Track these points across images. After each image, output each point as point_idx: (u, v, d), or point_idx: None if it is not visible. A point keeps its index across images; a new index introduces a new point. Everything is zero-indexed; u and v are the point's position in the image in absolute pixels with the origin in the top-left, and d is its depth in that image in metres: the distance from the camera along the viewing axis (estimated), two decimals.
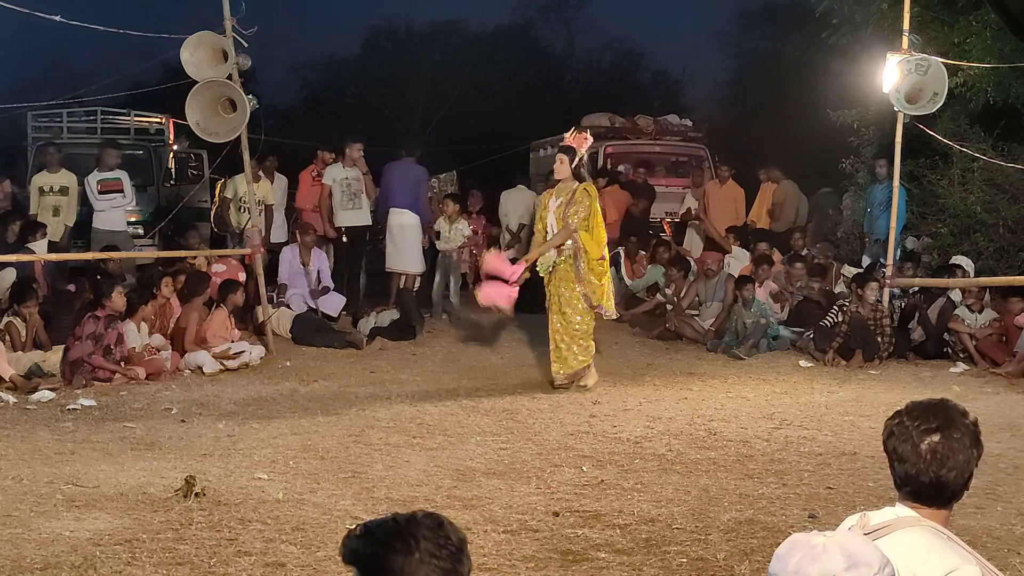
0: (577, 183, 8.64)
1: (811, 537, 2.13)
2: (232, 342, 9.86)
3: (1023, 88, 12.28)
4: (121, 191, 12.06)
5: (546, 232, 8.76)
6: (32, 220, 11.61)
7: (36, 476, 5.88)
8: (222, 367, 9.43)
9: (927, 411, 2.56)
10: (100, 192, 11.92)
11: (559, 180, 8.76)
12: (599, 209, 8.76)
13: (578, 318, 8.64)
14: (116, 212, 12.06)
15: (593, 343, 8.79)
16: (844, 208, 14.43)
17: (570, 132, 8.89)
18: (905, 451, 2.53)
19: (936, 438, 2.50)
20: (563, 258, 8.64)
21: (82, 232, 12.50)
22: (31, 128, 16.59)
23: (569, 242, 8.60)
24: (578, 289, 8.61)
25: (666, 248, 13.26)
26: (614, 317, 9.30)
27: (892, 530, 2.47)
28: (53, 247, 11.61)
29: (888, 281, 10.64)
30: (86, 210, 12.48)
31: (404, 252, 12.34)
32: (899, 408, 2.63)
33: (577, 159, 8.65)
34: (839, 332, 10.36)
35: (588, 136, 8.84)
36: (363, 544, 1.97)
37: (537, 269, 8.78)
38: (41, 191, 12.08)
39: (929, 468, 2.49)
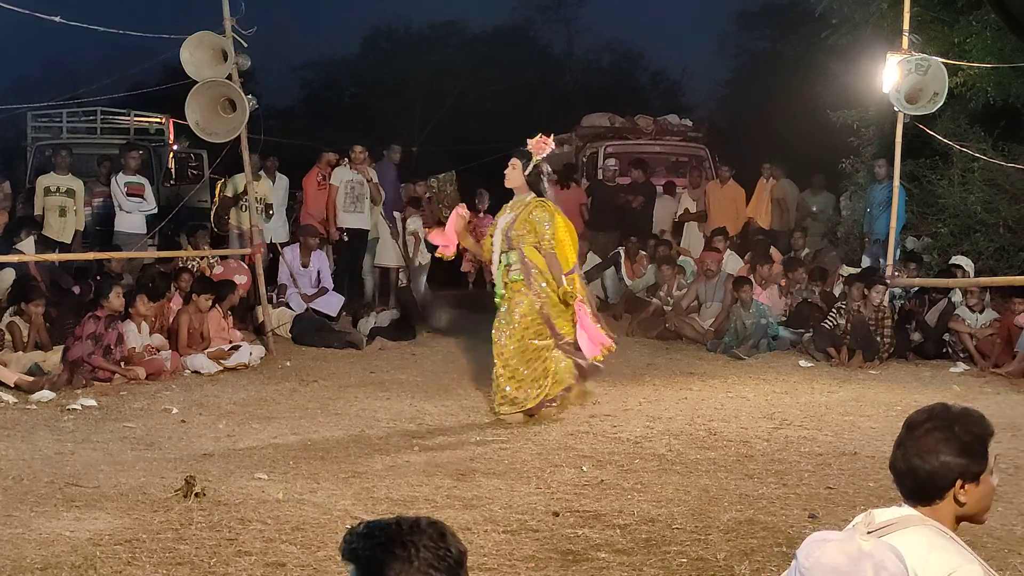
0: (531, 195, 7.61)
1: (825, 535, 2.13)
2: (230, 342, 9.87)
3: (1023, 88, 12.28)
4: (143, 195, 12.12)
5: (492, 251, 7.76)
6: (20, 219, 11.60)
7: (36, 476, 5.88)
8: (220, 368, 9.44)
9: (929, 410, 2.57)
10: (127, 195, 11.97)
11: (511, 188, 7.74)
12: (564, 225, 7.63)
13: (531, 341, 7.56)
14: (139, 216, 12.09)
15: (548, 377, 7.63)
16: (844, 208, 14.44)
17: (536, 137, 7.73)
18: (896, 444, 2.55)
19: (918, 429, 2.52)
20: (513, 278, 7.61)
21: (85, 233, 12.51)
22: (31, 128, 16.58)
23: (515, 258, 7.56)
24: (536, 305, 7.51)
25: (666, 247, 13.26)
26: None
27: (895, 529, 2.48)
28: (65, 249, 11.61)
29: (889, 281, 10.65)
30: (102, 212, 12.58)
31: (384, 248, 13.05)
32: (914, 409, 2.64)
33: (532, 165, 7.58)
34: (842, 332, 10.38)
35: (550, 141, 7.68)
36: (363, 545, 1.95)
37: (496, 293, 7.79)
38: (47, 191, 12.08)
39: (905, 455, 2.52)
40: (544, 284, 7.52)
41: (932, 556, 2.41)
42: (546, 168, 7.72)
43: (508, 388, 7.56)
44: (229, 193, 12.48)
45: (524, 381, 7.54)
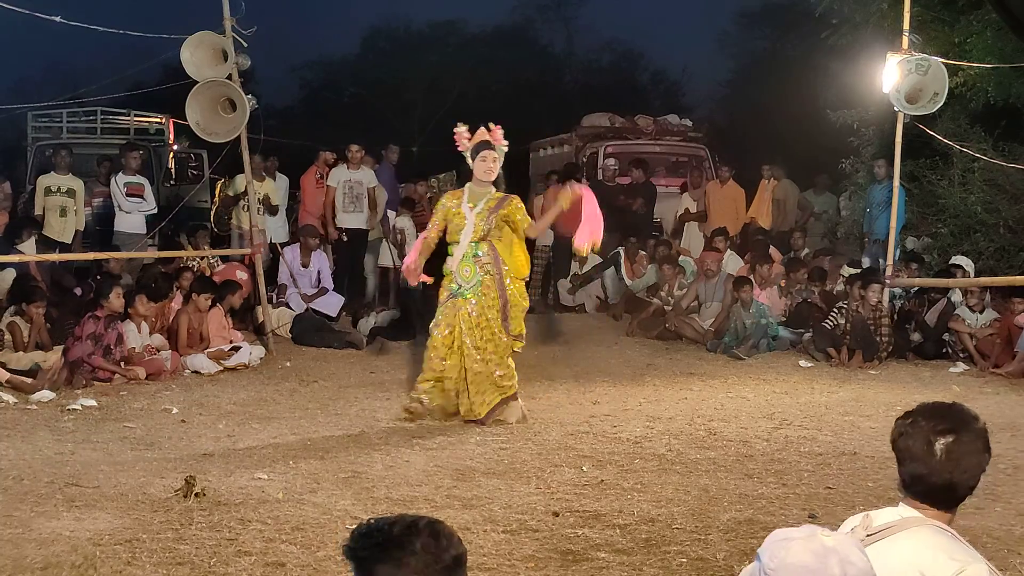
0: (494, 190, 7.47)
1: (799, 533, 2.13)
2: (231, 342, 9.87)
3: (1023, 88, 12.29)
4: (143, 196, 12.11)
5: (458, 239, 7.44)
6: (21, 220, 11.60)
7: (36, 476, 5.88)
8: (220, 368, 9.45)
9: (941, 412, 2.57)
10: (127, 195, 11.96)
11: (484, 182, 7.45)
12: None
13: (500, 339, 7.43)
14: (138, 216, 12.08)
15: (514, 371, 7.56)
16: (843, 208, 14.45)
17: (490, 130, 7.47)
18: (919, 451, 2.53)
19: (951, 439, 2.51)
20: (484, 273, 7.43)
21: (85, 233, 12.53)
22: (31, 128, 16.60)
23: (484, 252, 7.41)
24: (500, 301, 7.40)
25: (666, 247, 13.26)
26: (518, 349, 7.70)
27: (898, 530, 2.48)
28: (65, 249, 11.62)
29: (888, 281, 10.65)
30: (102, 212, 12.58)
31: (385, 248, 13.10)
32: (909, 409, 2.63)
33: (502, 159, 7.48)
34: (841, 332, 10.38)
35: (497, 128, 7.46)
36: (360, 546, 1.99)
37: (453, 287, 7.45)
38: (47, 191, 12.09)
39: (943, 469, 2.50)
40: (508, 281, 7.43)
41: (939, 555, 2.41)
42: None
43: (481, 390, 7.39)
44: (231, 193, 12.48)
45: (486, 389, 7.38)
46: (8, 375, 8.32)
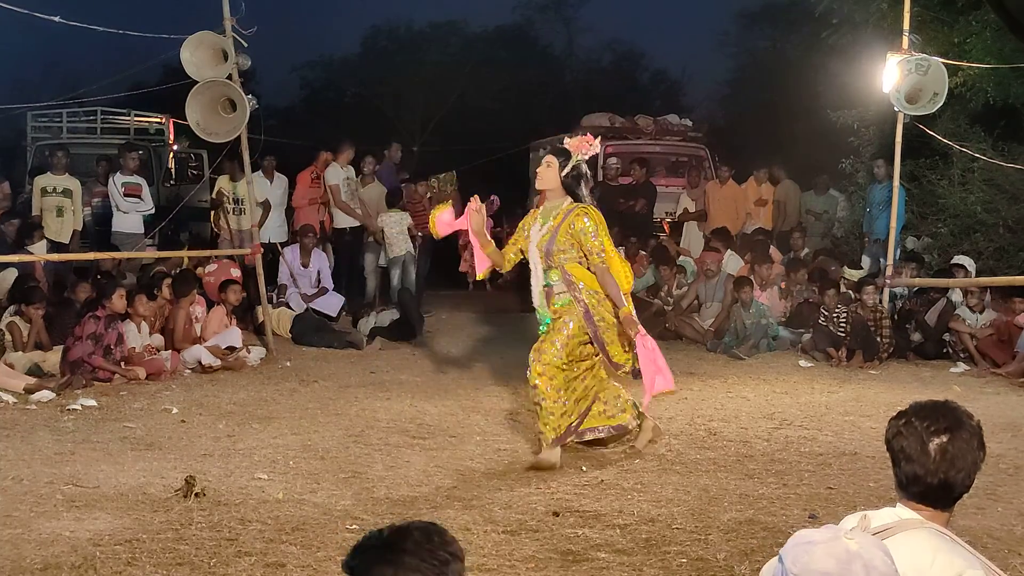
0: (568, 200, 6.46)
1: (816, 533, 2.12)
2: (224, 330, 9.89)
3: (1023, 88, 12.30)
4: (141, 196, 12.12)
5: (530, 266, 6.59)
6: (30, 222, 11.61)
7: (36, 476, 5.88)
8: (220, 363, 9.44)
9: (935, 412, 2.56)
10: (125, 195, 11.97)
11: (542, 191, 6.60)
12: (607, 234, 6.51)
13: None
14: (136, 216, 12.08)
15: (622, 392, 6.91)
16: (842, 208, 14.45)
17: (577, 136, 6.61)
18: (914, 451, 2.53)
19: (946, 439, 2.51)
20: (559, 303, 6.47)
21: (85, 233, 12.52)
22: (31, 128, 16.63)
23: (557, 278, 6.43)
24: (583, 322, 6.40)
25: (665, 248, 13.26)
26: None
27: (895, 532, 2.47)
28: (63, 249, 11.62)
29: (888, 281, 10.65)
30: (102, 212, 12.61)
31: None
32: (902, 409, 2.62)
33: (571, 166, 6.41)
34: (845, 334, 10.38)
35: (595, 142, 6.53)
36: (352, 559, 2.04)
37: (537, 313, 6.63)
38: (44, 191, 12.09)
39: (939, 469, 2.50)
40: (596, 302, 6.40)
41: (938, 558, 2.41)
42: (586, 170, 6.52)
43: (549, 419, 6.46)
44: (214, 196, 12.52)
45: (554, 411, 6.46)
46: (24, 383, 8.28)
